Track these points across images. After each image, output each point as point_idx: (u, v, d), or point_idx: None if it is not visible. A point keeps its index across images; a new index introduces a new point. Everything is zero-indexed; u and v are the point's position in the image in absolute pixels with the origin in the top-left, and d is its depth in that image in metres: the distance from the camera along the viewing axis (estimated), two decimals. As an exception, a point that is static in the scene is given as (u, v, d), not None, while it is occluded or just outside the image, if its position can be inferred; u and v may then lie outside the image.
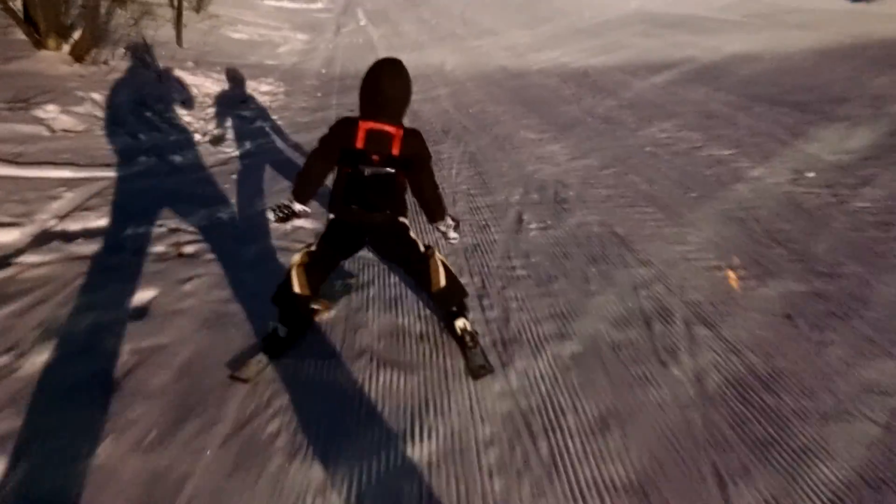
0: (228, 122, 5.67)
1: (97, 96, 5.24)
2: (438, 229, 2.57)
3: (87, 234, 3.28)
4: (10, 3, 5.68)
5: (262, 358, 2.36)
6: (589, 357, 2.46)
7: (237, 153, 4.95)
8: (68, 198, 3.64)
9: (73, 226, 3.38)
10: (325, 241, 2.39)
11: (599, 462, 1.94)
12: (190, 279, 2.94)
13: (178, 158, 4.59)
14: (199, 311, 2.69)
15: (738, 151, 5.16)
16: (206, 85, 6.61)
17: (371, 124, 2.18)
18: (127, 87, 5.66)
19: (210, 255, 3.20)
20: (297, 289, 2.31)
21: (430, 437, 2.04)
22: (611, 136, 5.68)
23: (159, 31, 7.87)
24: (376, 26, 14.03)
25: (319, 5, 16.94)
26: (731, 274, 3.16)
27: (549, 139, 5.60)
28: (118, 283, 2.84)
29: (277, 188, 4.14)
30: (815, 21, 13.46)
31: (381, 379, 2.32)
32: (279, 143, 5.31)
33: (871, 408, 2.19)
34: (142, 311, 2.66)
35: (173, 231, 3.42)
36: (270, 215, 2.36)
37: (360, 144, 2.18)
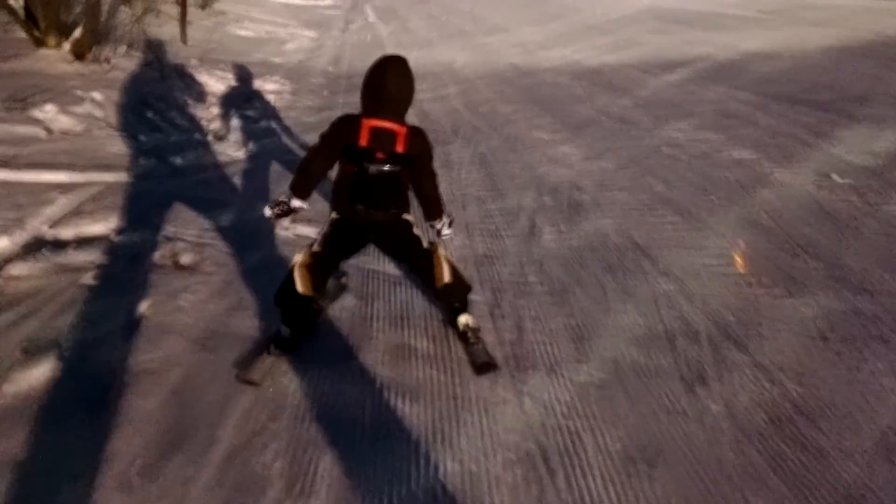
0: (232, 122, 5.51)
1: (97, 96, 5.10)
2: (433, 227, 2.56)
3: (80, 242, 3.13)
4: (10, 1, 5.56)
5: (268, 359, 2.29)
6: (609, 381, 2.29)
7: (241, 154, 4.80)
8: (62, 203, 3.49)
9: (66, 233, 3.23)
10: (329, 240, 2.34)
11: (623, 503, 1.77)
12: (186, 291, 2.78)
13: (178, 160, 4.44)
14: (193, 326, 2.53)
15: (759, 153, 4.95)
16: (210, 83, 6.47)
17: (375, 122, 2.15)
18: (128, 86, 5.52)
19: (209, 265, 3.05)
20: (300, 289, 2.27)
21: (437, 470, 1.88)
22: (626, 137, 5.48)
23: (163, 29, 7.74)
24: (385, 23, 13.85)
25: (328, 2, 16.76)
26: (738, 257, 3.00)
27: (562, 140, 5.41)
28: (109, 297, 2.69)
29: (282, 191, 3.96)
30: (832, 17, 13.17)
31: (386, 405, 2.16)
32: (284, 143, 5.15)
33: (919, 441, 2.01)
34: (132, 328, 2.50)
35: (171, 238, 3.27)
36: (267, 211, 2.33)
37: (364, 142, 2.14)
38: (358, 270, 3.06)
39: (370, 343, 2.49)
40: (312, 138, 5.11)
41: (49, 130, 4.39)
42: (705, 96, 7.00)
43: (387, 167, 2.18)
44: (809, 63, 8.73)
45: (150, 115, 5.17)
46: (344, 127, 2.20)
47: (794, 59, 9.02)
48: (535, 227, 3.60)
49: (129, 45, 6.42)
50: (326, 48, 10.15)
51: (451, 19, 14.63)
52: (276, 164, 4.59)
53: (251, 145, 5.00)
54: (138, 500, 1.73)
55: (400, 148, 2.17)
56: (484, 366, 2.33)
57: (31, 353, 2.29)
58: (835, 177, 4.35)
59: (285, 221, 3.54)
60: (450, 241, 3.36)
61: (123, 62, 6.10)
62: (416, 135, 2.22)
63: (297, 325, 2.39)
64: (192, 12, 9.18)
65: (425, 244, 2.42)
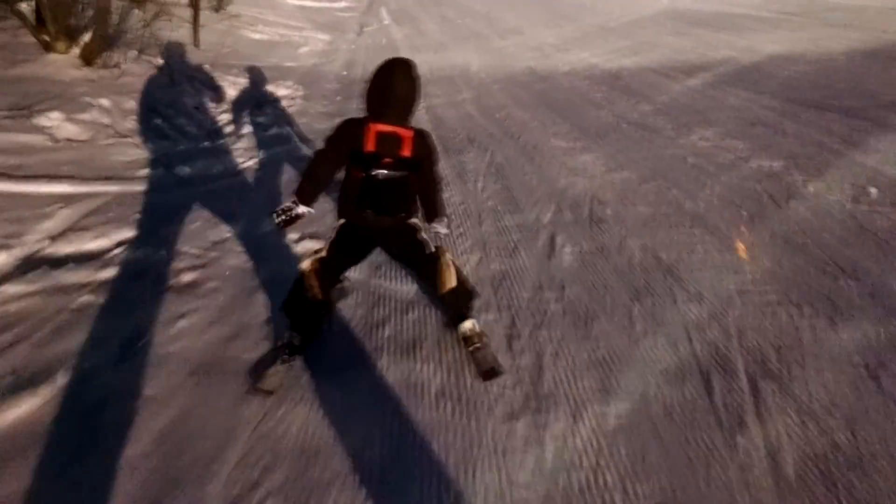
0: (242, 130, 5.37)
1: (105, 102, 4.98)
2: (432, 227, 2.51)
3: (78, 259, 2.99)
4: (19, 6, 5.46)
5: (280, 368, 2.27)
6: (639, 421, 2.10)
7: (250, 163, 4.65)
8: (63, 216, 3.36)
9: (65, 248, 3.10)
10: (336, 246, 2.33)
11: (660, 571, 1.59)
12: (186, 314, 2.64)
13: (185, 169, 4.30)
14: (191, 354, 2.39)
15: (789, 163, 4.72)
16: (222, 89, 6.33)
17: (381, 126, 2.12)
18: (137, 92, 5.40)
19: (212, 284, 2.90)
20: (308, 295, 2.28)
21: (452, 528, 1.70)
22: (648, 145, 5.27)
23: (176, 32, 7.62)
24: (399, 25, 13.70)
25: (343, 4, 16.65)
26: (741, 245, 2.81)
27: (581, 148, 5.21)
28: (104, 320, 2.55)
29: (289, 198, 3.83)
30: (855, 19, 12.81)
31: (394, 449, 1.98)
32: (295, 151, 5.00)
33: None
34: (128, 356, 2.35)
35: (174, 254, 3.13)
36: (273, 219, 2.26)
37: (371, 147, 2.12)
38: (367, 292, 2.89)
39: (379, 376, 2.32)
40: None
41: (54, 139, 4.26)
42: (728, 102, 6.77)
43: (395, 172, 2.16)
44: (835, 67, 8.45)
45: (158, 121, 5.04)
46: (349, 131, 2.16)
47: (819, 62, 8.74)
48: (555, 244, 3.41)
49: (140, 50, 6.29)
50: (341, 52, 10.01)
51: (465, 21, 14.44)
52: (287, 173, 4.44)
53: (261, 153, 4.86)
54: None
55: (407, 152, 2.15)
56: (490, 371, 2.31)
57: (16, 385, 2.14)
58: (872, 190, 4.12)
59: (293, 234, 3.39)
60: (466, 260, 3.20)
61: (134, 67, 5.97)
62: (423, 138, 2.21)
63: (305, 331, 2.37)
64: (206, 15, 9.08)
65: (431, 248, 2.39)
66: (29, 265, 2.88)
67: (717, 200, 4.00)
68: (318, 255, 2.32)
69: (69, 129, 4.43)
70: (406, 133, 2.15)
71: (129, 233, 3.29)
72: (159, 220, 3.49)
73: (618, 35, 11.81)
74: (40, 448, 1.91)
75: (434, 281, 2.37)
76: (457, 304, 2.46)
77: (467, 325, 2.45)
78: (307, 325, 2.38)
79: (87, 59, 5.60)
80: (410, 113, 2.20)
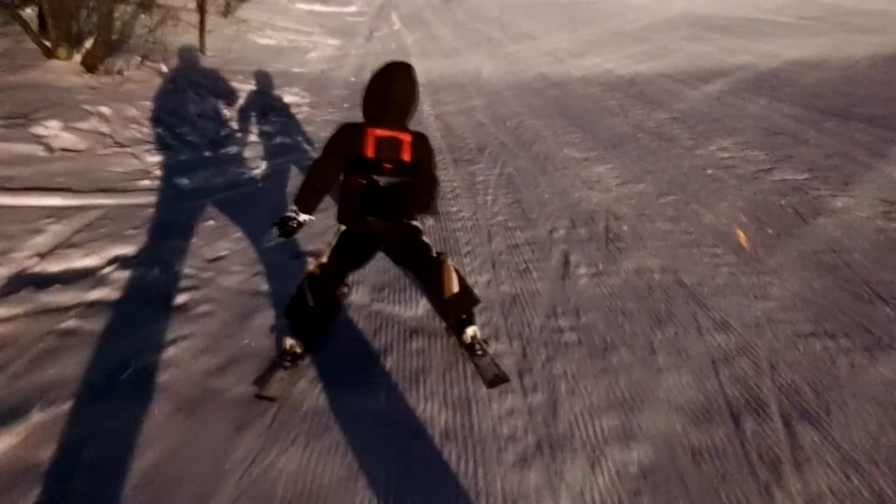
0: (247, 139, 5.23)
1: (105, 110, 4.86)
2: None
3: (66, 279, 2.84)
4: (22, 11, 5.36)
5: (283, 374, 2.23)
6: (663, 469, 1.91)
7: (253, 174, 4.50)
8: (54, 231, 3.22)
9: (53, 266, 2.95)
10: (338, 252, 2.31)
11: None
12: (176, 340, 2.48)
13: (185, 181, 4.15)
14: (179, 387, 2.22)
15: (814, 176, 4.51)
16: (227, 96, 6.20)
17: (380, 131, 2.13)
18: (139, 100, 5.27)
19: (204, 307, 2.74)
20: (311, 302, 2.27)
21: None
22: (665, 156, 5.06)
23: (182, 38, 7.52)
24: (410, 30, 13.55)
25: (353, 8, 16.55)
26: (741, 233, 2.64)
27: (596, 159, 5.01)
28: (88, 348, 2.39)
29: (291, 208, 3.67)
30: (877, 24, 12.53)
31: (393, 498, 1.80)
32: (300, 162, 4.84)
33: None
34: (112, 388, 2.19)
35: (167, 273, 2.97)
36: (275, 231, 2.28)
37: (370, 153, 2.12)
38: (368, 316, 2.72)
39: (379, 415, 2.13)
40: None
41: (50, 148, 4.13)
42: (748, 110, 6.55)
43: (396, 178, 2.16)
44: (858, 73, 8.21)
45: (159, 130, 4.91)
46: (347, 137, 2.17)
47: (841, 69, 8.50)
48: (569, 264, 3.23)
49: (144, 56, 6.18)
50: (350, 57, 9.88)
51: (477, 26, 14.28)
52: (291, 184, 4.29)
53: (265, 164, 4.71)
54: None
55: (406, 156, 2.15)
56: (495, 379, 2.26)
57: (-7, 420, 1.99)
58: (904, 206, 3.90)
59: (293, 252, 3.24)
60: (474, 282, 3.01)
61: (137, 74, 5.86)
62: (421, 141, 2.22)
63: (307, 337, 2.33)
64: (214, 20, 8.99)
65: (434, 252, 2.37)
66: (13, 285, 2.73)
67: (739, 216, 3.78)
68: (320, 261, 2.31)
69: (66, 139, 4.30)
70: (405, 137, 2.15)
71: (121, 250, 3.14)
72: (154, 235, 3.34)
73: (633, 40, 11.60)
74: (11, 495, 1.75)
75: (436, 285, 2.33)
76: (459, 310, 2.41)
77: (470, 331, 2.40)
78: (309, 331, 2.34)
79: (90, 65, 5.49)
80: (408, 117, 2.20)
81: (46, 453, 1.91)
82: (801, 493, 1.82)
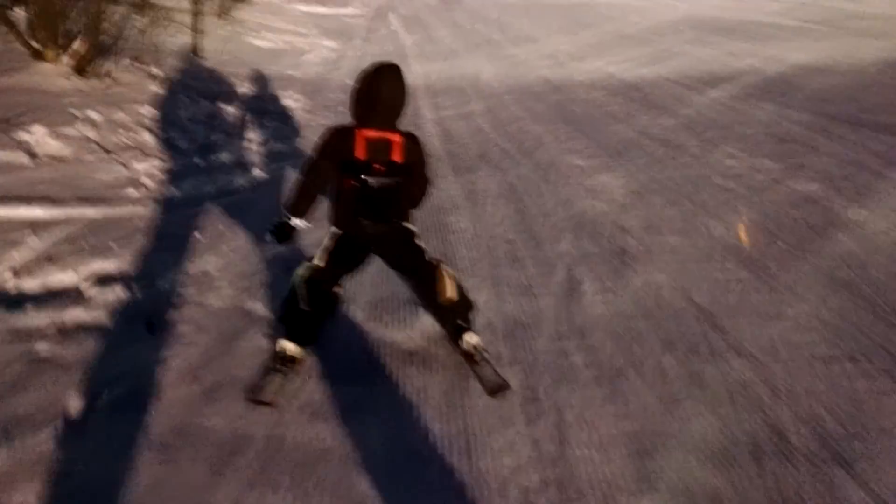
0: (240, 144, 5.07)
1: (93, 115, 4.70)
2: None
3: (40, 298, 2.68)
4: (10, 12, 5.19)
5: (276, 378, 2.18)
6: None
7: (244, 183, 4.34)
8: (32, 245, 3.06)
9: (28, 284, 2.78)
10: (332, 257, 2.28)
11: None
12: (154, 367, 2.31)
13: (174, 190, 3.99)
14: (157, 420, 2.05)
15: (827, 186, 4.35)
16: (219, 99, 6.03)
17: (370, 132, 2.11)
18: (128, 104, 5.11)
19: (188, 329, 2.57)
20: (304, 306, 2.25)
21: None
22: (672, 164, 4.90)
23: (175, 39, 7.35)
24: (409, 32, 13.38)
25: (351, 10, 16.38)
26: (742, 232, 2.67)
27: (600, 167, 4.85)
28: (58, 376, 2.22)
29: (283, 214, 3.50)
30: (883, 28, 12.37)
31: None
32: (294, 170, 4.67)
33: None
34: (81, 425, 2.02)
35: (148, 291, 2.81)
36: (268, 237, 2.25)
37: (360, 154, 2.10)
38: (361, 337, 2.56)
39: (369, 455, 1.97)
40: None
41: (33, 155, 3.97)
42: (756, 116, 6.39)
43: (388, 179, 2.14)
44: (866, 79, 8.06)
45: (149, 136, 4.75)
46: (337, 139, 2.15)
47: (849, 73, 8.35)
48: (574, 281, 3.06)
49: (136, 58, 6.01)
50: (347, 59, 9.71)
51: (477, 28, 14.12)
52: (286, 193, 4.11)
53: (257, 172, 4.55)
54: None
55: (397, 157, 2.14)
56: (497, 387, 2.21)
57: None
58: (922, 219, 3.74)
59: (293, 260, 3.07)
60: (473, 299, 2.85)
61: (127, 76, 5.70)
62: (413, 142, 2.21)
63: (301, 341, 2.28)
64: (209, 21, 8.83)
65: (428, 256, 2.36)
66: (-16, 305, 2.57)
67: (751, 228, 3.62)
68: (313, 264, 2.28)
69: (51, 145, 4.15)
70: (396, 138, 2.14)
71: (101, 265, 2.98)
72: (138, 249, 3.18)
73: (635, 42, 11.45)
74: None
75: (432, 288, 2.31)
76: (455, 315, 2.37)
77: (468, 338, 2.32)
78: (303, 336, 2.29)
79: (79, 68, 5.32)
80: (398, 118, 2.17)
81: (12, 498, 1.75)
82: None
